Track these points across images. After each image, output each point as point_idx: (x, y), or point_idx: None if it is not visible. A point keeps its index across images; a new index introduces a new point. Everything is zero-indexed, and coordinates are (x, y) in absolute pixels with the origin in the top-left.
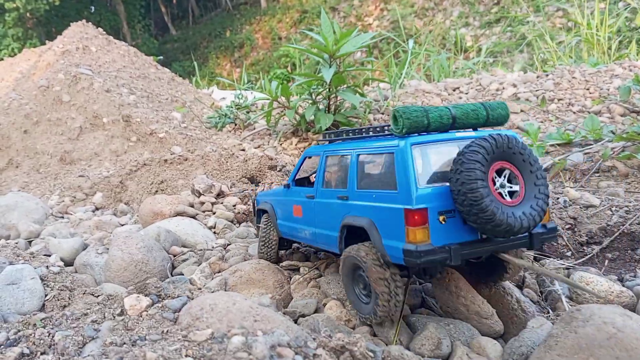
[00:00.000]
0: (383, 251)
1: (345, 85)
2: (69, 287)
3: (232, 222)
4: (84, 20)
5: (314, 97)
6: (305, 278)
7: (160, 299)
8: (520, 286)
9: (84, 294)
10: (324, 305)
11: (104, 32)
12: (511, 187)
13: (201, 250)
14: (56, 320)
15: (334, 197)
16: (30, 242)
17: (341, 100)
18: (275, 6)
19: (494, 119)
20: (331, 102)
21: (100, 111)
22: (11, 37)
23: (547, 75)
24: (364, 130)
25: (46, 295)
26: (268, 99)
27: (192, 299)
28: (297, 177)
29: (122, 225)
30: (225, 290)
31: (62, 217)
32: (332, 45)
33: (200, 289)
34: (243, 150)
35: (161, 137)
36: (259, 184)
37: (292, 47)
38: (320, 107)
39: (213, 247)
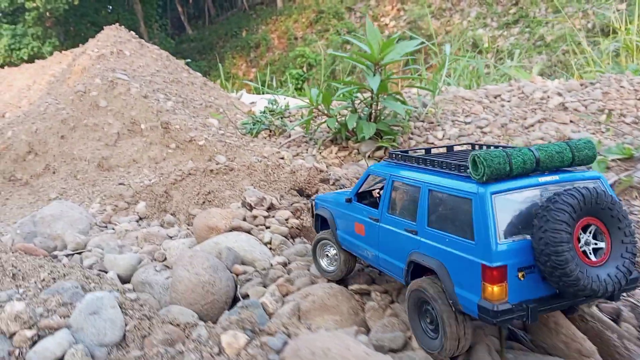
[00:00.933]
0: (455, 299)
1: (386, 93)
2: (147, 316)
3: (286, 237)
4: (117, 24)
5: (355, 105)
6: (381, 305)
7: (254, 334)
8: (616, 319)
9: (162, 322)
10: (409, 338)
11: (137, 36)
12: (596, 244)
13: (264, 269)
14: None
15: (401, 228)
16: (72, 254)
17: (382, 108)
18: (292, 6)
19: (579, 160)
20: (373, 110)
21: (138, 117)
22: (31, 37)
23: (592, 84)
24: (436, 160)
25: (126, 325)
26: (307, 106)
27: (288, 335)
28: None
29: (171, 237)
30: (299, 317)
31: (106, 227)
32: (377, 53)
33: (271, 314)
34: (282, 158)
35: (201, 144)
36: (309, 197)
37: (338, 55)
38: (361, 115)
39: (272, 266)
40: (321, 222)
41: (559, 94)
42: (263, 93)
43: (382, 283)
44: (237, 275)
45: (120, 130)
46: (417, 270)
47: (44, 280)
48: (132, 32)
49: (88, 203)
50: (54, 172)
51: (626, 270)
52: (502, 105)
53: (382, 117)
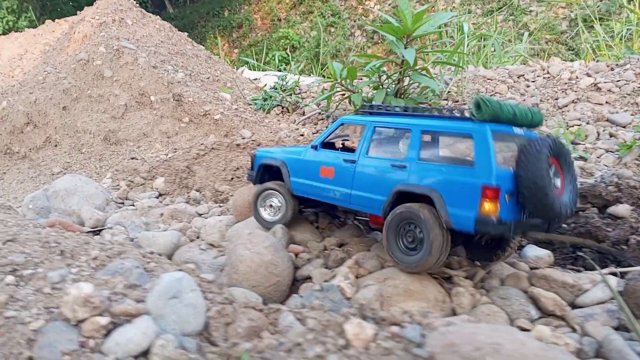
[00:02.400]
0: (447, 217)
1: (412, 69)
2: (229, 299)
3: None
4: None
5: (381, 80)
6: (470, 291)
7: (378, 325)
8: None
9: (245, 307)
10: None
11: (137, 5)
12: (556, 181)
13: (326, 250)
14: (267, 353)
15: (385, 165)
16: (93, 232)
17: (408, 84)
18: None
19: (535, 122)
20: (400, 86)
21: (147, 89)
22: (6, 10)
23: (620, 65)
24: (409, 109)
25: (207, 310)
26: (328, 81)
27: (421, 325)
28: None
29: (201, 215)
30: (382, 303)
31: (123, 203)
32: (410, 24)
33: (349, 298)
34: (302, 135)
35: (217, 119)
36: None
37: (372, 25)
38: (387, 91)
39: (325, 248)
40: (262, 175)
41: (588, 75)
42: (286, 71)
43: (461, 266)
44: (296, 255)
45: (128, 102)
46: (397, 201)
47: (96, 258)
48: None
49: (97, 178)
50: (55, 145)
51: (574, 199)
52: (528, 86)
53: (408, 94)
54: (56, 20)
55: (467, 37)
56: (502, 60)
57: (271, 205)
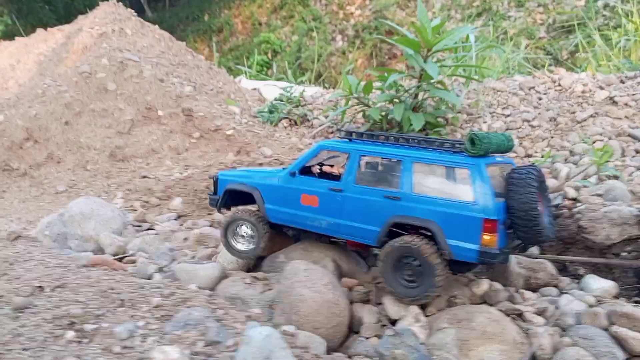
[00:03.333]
0: (448, 249)
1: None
2: (317, 355)
3: None
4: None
5: (399, 94)
6: (548, 331)
7: None
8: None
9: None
10: None
11: (135, 14)
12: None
13: (379, 282)
14: None
15: (377, 196)
16: (120, 259)
17: (424, 98)
18: None
19: (508, 148)
20: (417, 100)
21: (154, 103)
22: None
23: (630, 78)
24: (416, 139)
25: None
26: (344, 95)
27: None
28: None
29: None
30: (460, 347)
31: (140, 227)
32: (430, 37)
33: (423, 343)
34: None
35: (229, 134)
36: None
37: (390, 40)
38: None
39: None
40: (226, 199)
41: (601, 88)
42: (293, 83)
43: (525, 302)
44: (350, 289)
45: (134, 117)
46: (391, 231)
47: (158, 307)
48: (130, 9)
49: (106, 197)
50: (58, 162)
51: (552, 223)
52: (540, 98)
53: (423, 108)
54: (48, 29)
55: (474, 47)
56: (505, 71)
57: (243, 236)
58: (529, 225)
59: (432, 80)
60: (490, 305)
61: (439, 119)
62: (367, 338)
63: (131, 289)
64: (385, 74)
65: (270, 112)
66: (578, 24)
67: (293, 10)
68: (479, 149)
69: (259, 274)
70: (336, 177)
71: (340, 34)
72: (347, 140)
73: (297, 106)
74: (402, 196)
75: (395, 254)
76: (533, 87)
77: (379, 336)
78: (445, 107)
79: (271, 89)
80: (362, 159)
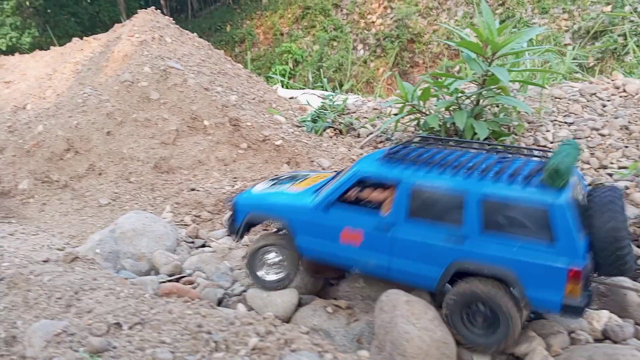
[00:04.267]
0: (526, 300)
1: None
2: None
3: None
4: (152, 7)
5: (459, 101)
6: None
7: None
8: None
9: None
10: None
11: (174, 21)
12: None
13: None
14: None
15: (438, 235)
16: (177, 279)
17: (484, 105)
18: (277, 1)
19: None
20: (479, 108)
21: (199, 112)
22: (9, 27)
23: None
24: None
25: None
26: (399, 102)
27: None
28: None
29: None
30: None
31: (193, 242)
32: (495, 40)
33: None
34: None
35: (278, 144)
36: None
37: (452, 42)
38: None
39: None
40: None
41: None
42: (334, 92)
43: None
44: None
45: (179, 127)
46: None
47: (255, 349)
48: (167, 17)
49: (152, 210)
50: (100, 174)
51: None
52: (604, 105)
53: (484, 116)
54: (84, 38)
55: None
56: (567, 77)
57: (269, 264)
58: (614, 257)
59: (491, 87)
60: (615, 342)
61: (503, 128)
62: None
63: (221, 326)
64: (440, 80)
65: (314, 121)
66: (602, 31)
67: (314, 20)
68: (559, 183)
69: (341, 302)
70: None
71: (362, 43)
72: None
73: (341, 115)
74: (468, 236)
75: (465, 299)
76: (594, 94)
77: None
78: (505, 114)
79: (309, 97)
80: (415, 194)
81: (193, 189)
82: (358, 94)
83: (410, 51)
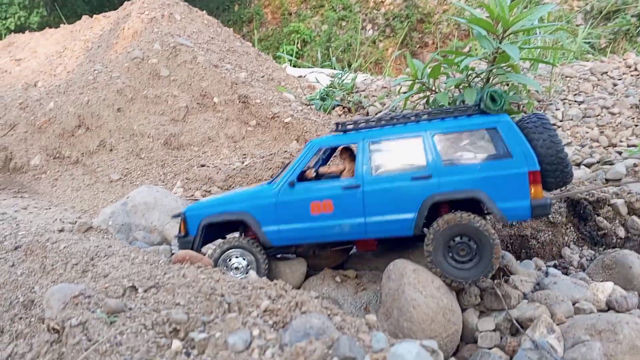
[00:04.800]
0: (500, 214)
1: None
2: None
3: None
4: None
5: (469, 79)
6: None
7: None
8: None
9: None
10: None
11: None
12: None
13: (492, 288)
14: None
15: (405, 180)
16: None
17: (494, 84)
18: None
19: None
20: (487, 85)
21: (209, 89)
22: (17, 6)
23: None
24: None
25: None
26: (408, 80)
27: None
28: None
29: None
30: None
31: None
32: (507, 17)
33: (562, 358)
34: None
35: (287, 122)
36: None
37: (462, 19)
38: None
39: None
40: (203, 236)
41: None
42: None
43: None
44: (457, 293)
45: (189, 104)
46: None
47: (267, 311)
48: None
49: (162, 186)
50: (111, 150)
51: None
52: (615, 84)
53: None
54: (94, 15)
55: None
56: (578, 55)
57: (236, 268)
58: (560, 167)
59: (502, 65)
60: (618, 312)
61: (512, 106)
62: (489, 349)
63: (234, 290)
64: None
65: (323, 99)
66: (614, 12)
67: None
68: (500, 105)
69: (350, 272)
70: (337, 177)
71: (371, 22)
72: (342, 133)
73: (349, 93)
74: (434, 173)
75: (443, 236)
76: (605, 72)
77: (500, 347)
78: (515, 92)
79: (318, 76)
80: (372, 146)
81: (203, 165)
82: (367, 73)
83: (420, 31)
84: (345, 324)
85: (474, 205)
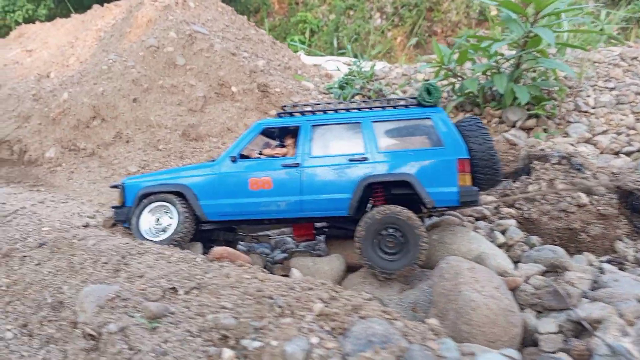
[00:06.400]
0: (428, 198)
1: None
2: None
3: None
4: None
5: (499, 65)
6: None
7: None
8: None
9: None
10: None
11: None
12: None
13: (554, 281)
14: None
15: (342, 161)
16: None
17: (524, 69)
18: None
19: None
20: (518, 71)
21: (227, 78)
22: None
23: None
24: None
25: None
26: (435, 66)
27: None
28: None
29: None
30: None
31: None
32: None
33: None
34: None
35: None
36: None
37: (492, 1)
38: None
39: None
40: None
41: None
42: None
43: None
44: (512, 290)
45: (206, 94)
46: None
47: (322, 315)
48: None
49: None
50: (127, 141)
51: None
52: None
53: (523, 79)
54: (105, 4)
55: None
56: (602, 39)
57: (158, 220)
58: (490, 165)
59: (531, 50)
60: None
61: (543, 92)
62: (552, 353)
63: (281, 291)
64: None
65: (342, 87)
66: None
67: None
68: (435, 97)
69: None
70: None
71: (379, 11)
72: (287, 115)
73: (369, 81)
74: (370, 156)
75: (376, 226)
76: (636, 58)
77: (565, 351)
78: (544, 78)
79: (335, 65)
80: (315, 129)
81: None
82: (383, 61)
83: (428, 20)
84: (409, 330)
85: (413, 198)
